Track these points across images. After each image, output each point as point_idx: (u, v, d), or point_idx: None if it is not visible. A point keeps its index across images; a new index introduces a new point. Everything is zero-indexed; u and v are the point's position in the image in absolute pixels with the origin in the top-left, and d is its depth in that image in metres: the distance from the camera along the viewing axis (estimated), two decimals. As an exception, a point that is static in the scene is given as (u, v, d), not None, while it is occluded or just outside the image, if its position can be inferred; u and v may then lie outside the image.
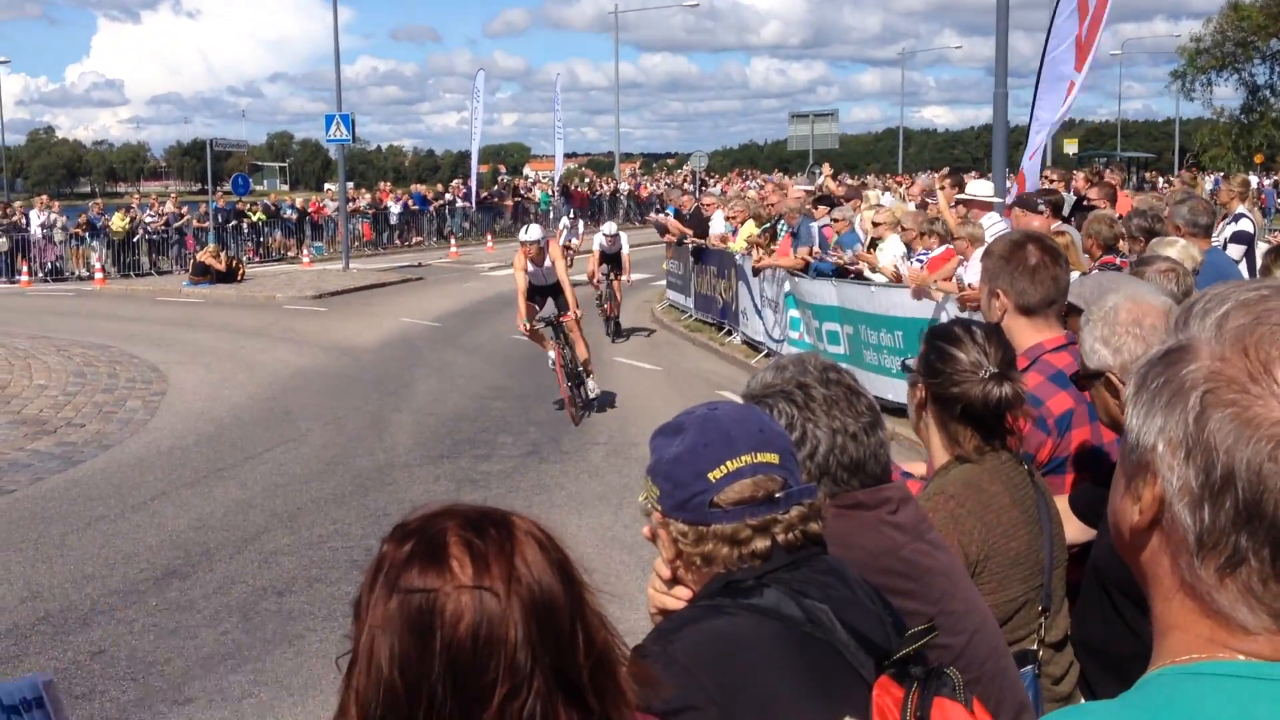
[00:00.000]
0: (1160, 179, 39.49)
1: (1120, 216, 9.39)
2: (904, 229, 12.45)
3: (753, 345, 17.24)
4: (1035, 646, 2.99)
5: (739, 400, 2.42)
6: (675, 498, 2.03)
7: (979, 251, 8.56)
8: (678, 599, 2.11)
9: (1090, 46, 11.14)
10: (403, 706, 1.53)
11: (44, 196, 37.86)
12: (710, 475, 2.00)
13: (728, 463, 2.01)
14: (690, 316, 21.00)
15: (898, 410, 11.34)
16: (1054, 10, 11.28)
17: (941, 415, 3.08)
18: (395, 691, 1.53)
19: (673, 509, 2.03)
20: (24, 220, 32.21)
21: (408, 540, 1.59)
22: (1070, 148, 64.48)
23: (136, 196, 44.11)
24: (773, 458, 2.03)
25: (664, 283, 24.02)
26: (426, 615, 1.53)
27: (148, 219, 33.68)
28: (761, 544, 1.99)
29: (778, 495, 2.01)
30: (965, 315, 8.51)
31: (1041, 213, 9.27)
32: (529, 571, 1.57)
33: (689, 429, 2.07)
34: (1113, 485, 1.21)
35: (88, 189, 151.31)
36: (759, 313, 16.77)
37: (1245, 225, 10.60)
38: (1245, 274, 9.86)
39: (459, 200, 43.70)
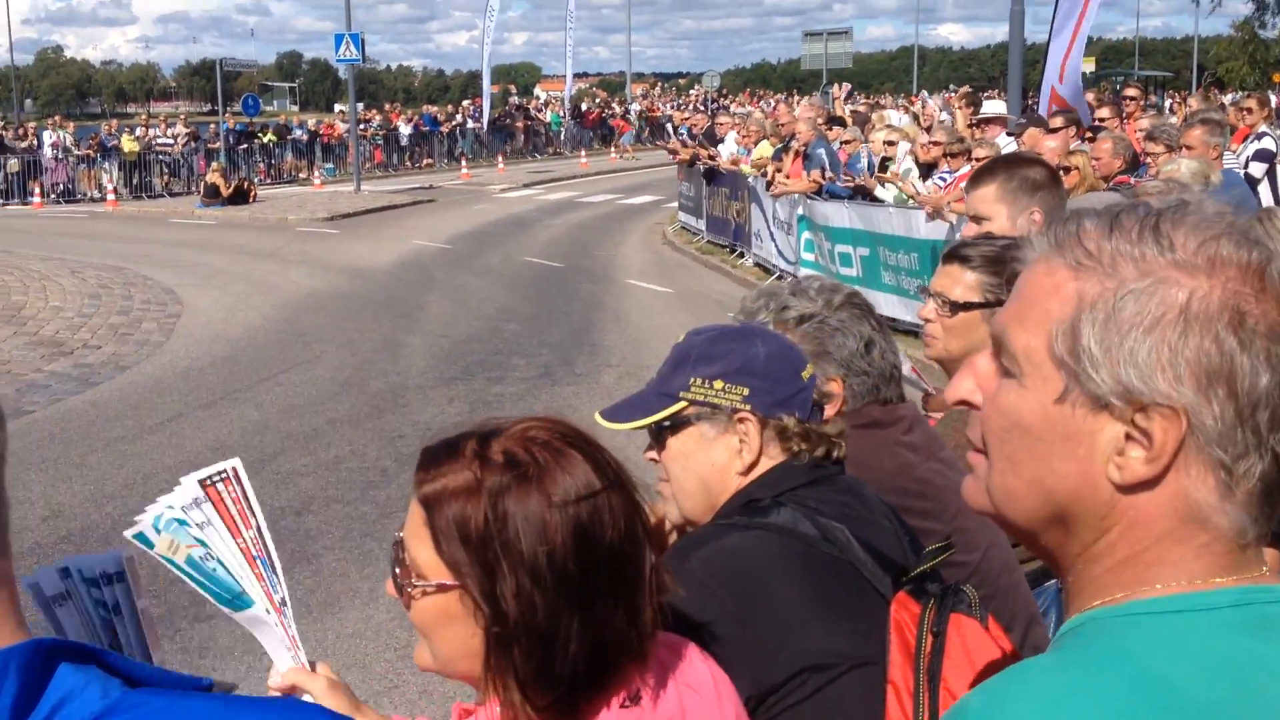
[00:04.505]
0: (1171, 99, 38.93)
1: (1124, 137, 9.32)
2: (933, 144, 12.29)
3: (765, 268, 17.20)
4: None
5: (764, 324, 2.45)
6: (777, 394, 2.04)
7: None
8: None
9: None
10: (571, 621, 1.51)
11: (58, 117, 37.78)
12: (803, 375, 2.07)
13: (809, 365, 2.10)
14: (702, 239, 20.94)
15: (912, 331, 11.35)
16: None
17: None
18: (560, 605, 1.50)
19: (773, 406, 2.03)
20: (36, 141, 32.15)
21: (519, 457, 1.55)
22: (1087, 66, 63.71)
23: (145, 117, 43.93)
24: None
25: (675, 205, 23.93)
26: (594, 518, 1.52)
27: (161, 140, 33.57)
28: (824, 449, 2.07)
29: (821, 403, 2.11)
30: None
31: (1056, 131, 9.19)
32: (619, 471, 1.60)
33: (757, 333, 2.13)
34: (1030, 459, 1.15)
35: (97, 109, 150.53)
36: (772, 235, 16.72)
37: (1268, 144, 10.50)
38: (1268, 193, 9.80)
39: (470, 121, 43.44)
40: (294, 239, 23.06)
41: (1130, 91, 14.71)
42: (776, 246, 16.55)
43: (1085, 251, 1.12)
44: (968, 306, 3.10)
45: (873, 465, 2.31)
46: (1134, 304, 1.08)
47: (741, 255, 18.67)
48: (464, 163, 39.37)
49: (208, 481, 1.84)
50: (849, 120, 17.07)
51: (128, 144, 32.58)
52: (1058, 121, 9.88)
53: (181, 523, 1.81)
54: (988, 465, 1.20)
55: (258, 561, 1.82)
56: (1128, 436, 1.09)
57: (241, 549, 1.81)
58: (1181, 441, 1.08)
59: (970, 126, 13.09)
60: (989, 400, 1.20)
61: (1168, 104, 36.71)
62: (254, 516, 1.84)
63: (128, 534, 1.80)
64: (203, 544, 1.80)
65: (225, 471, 1.85)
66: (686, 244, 21.23)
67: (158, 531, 1.79)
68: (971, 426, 1.23)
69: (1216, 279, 1.07)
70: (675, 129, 26.93)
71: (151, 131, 34.46)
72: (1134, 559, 1.12)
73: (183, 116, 41.39)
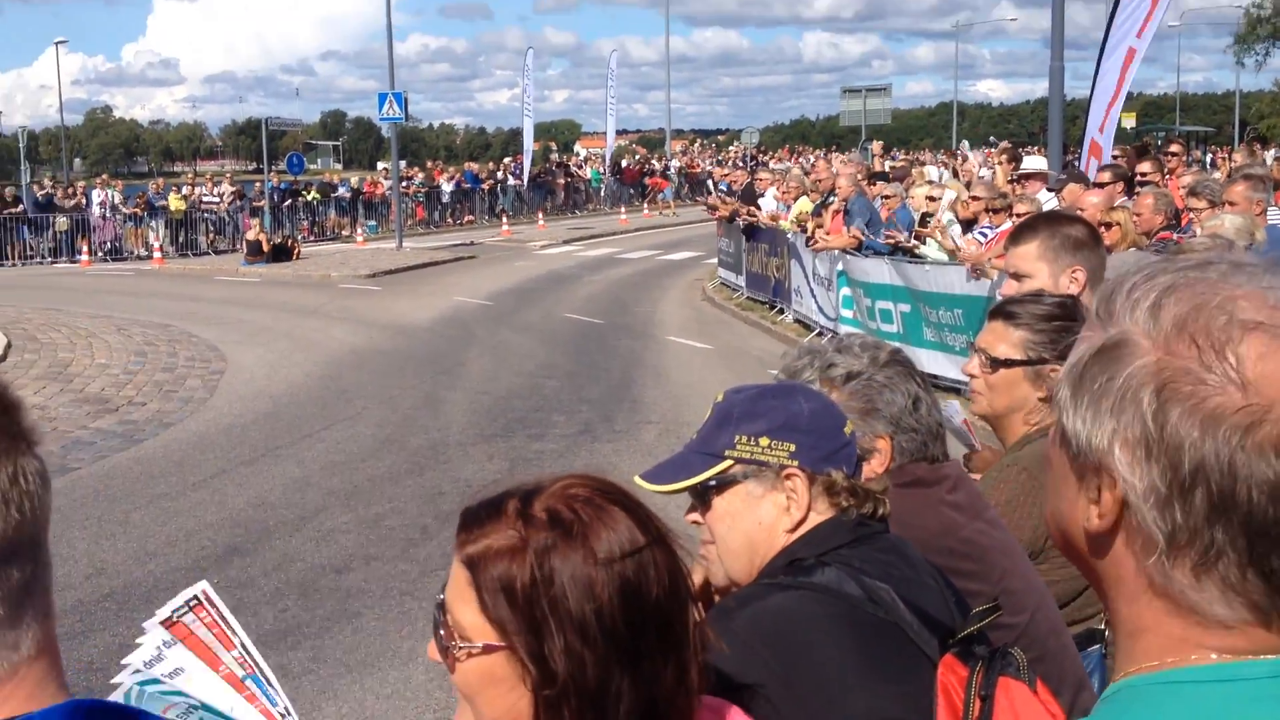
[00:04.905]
0: (1213, 154, 38.72)
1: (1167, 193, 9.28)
2: (973, 200, 12.29)
3: (805, 324, 17.18)
4: (1103, 625, 2.97)
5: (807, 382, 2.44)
6: (823, 449, 2.04)
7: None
8: None
9: (1154, 13, 11.07)
10: (621, 680, 1.49)
11: (105, 175, 38.41)
12: (845, 430, 2.07)
13: (850, 421, 2.11)
14: (742, 295, 20.96)
15: (953, 388, 11.28)
16: None
17: None
18: (610, 663, 1.49)
19: (820, 461, 2.03)
20: (84, 200, 32.69)
21: (563, 515, 1.54)
22: (1128, 121, 63.58)
23: (192, 175, 44.56)
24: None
25: (715, 260, 23.98)
26: (639, 575, 1.51)
27: (207, 199, 34.07)
28: (871, 506, 2.07)
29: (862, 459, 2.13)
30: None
31: (1102, 186, 9.16)
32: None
33: (798, 390, 2.14)
34: (1050, 490, 1.18)
35: (145, 168, 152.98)
36: (812, 291, 16.71)
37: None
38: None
39: (510, 178, 43.82)
40: (336, 296, 23.27)
41: (1173, 147, 14.67)
42: (816, 303, 16.53)
43: (1106, 307, 1.13)
44: (1009, 364, 3.09)
45: (917, 525, 2.29)
46: (1097, 364, 1.10)
47: (781, 311, 18.67)
48: (505, 219, 39.67)
49: (172, 619, 1.76)
50: (890, 174, 17.10)
51: (175, 202, 33.07)
52: (1105, 176, 9.85)
53: (149, 682, 1.70)
54: None
55: (248, 682, 1.74)
56: (1097, 488, 1.10)
57: (226, 677, 1.75)
58: (1123, 505, 1.08)
59: (1010, 182, 13.09)
60: None
61: (1209, 158, 36.56)
62: (235, 635, 1.77)
63: None
64: (179, 694, 1.71)
65: (193, 599, 1.78)
66: (726, 300, 21.26)
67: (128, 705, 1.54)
68: None
69: (1174, 350, 1.06)
70: (715, 184, 27.01)
71: (198, 190, 34.98)
72: (1138, 621, 1.12)
73: (228, 175, 42.05)
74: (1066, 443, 1.13)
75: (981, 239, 11.62)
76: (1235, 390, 1.03)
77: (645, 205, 45.26)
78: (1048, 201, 10.37)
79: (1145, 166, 10.98)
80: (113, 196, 32.69)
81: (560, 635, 1.47)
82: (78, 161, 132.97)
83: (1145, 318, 1.08)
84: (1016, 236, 3.94)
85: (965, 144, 34.19)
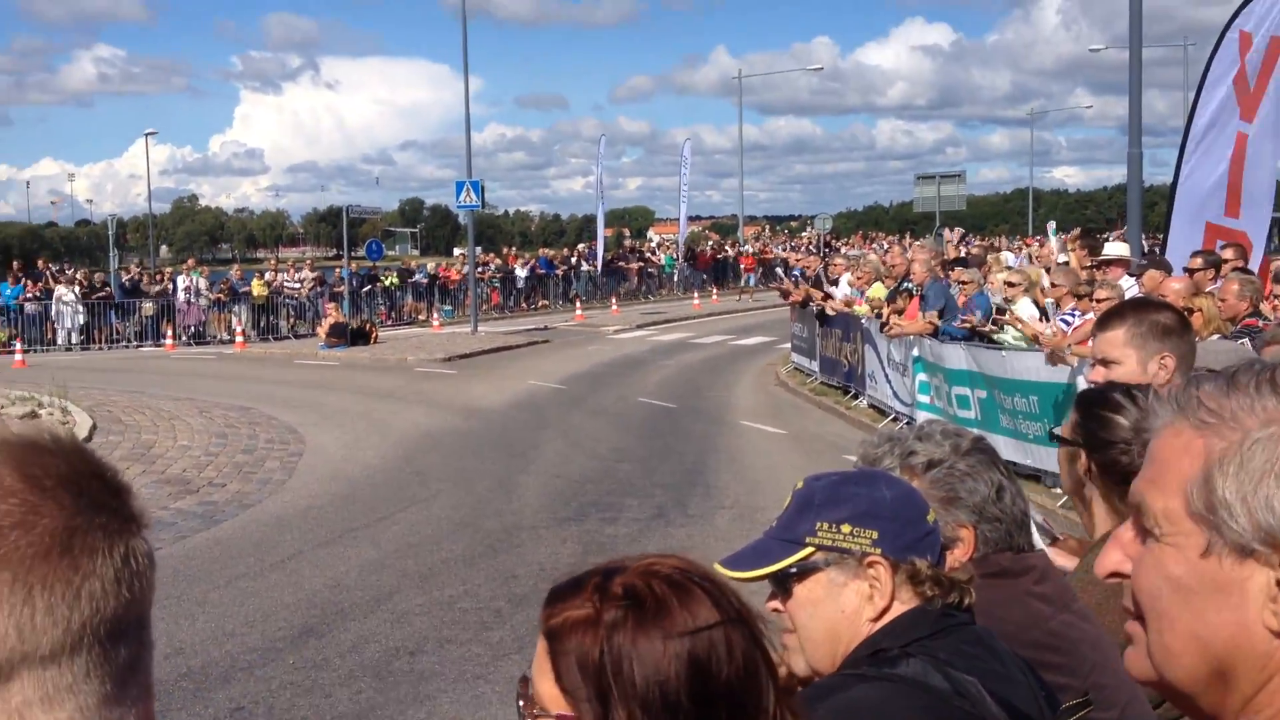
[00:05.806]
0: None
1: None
2: (1053, 285, 12.19)
3: (879, 409, 17.05)
4: None
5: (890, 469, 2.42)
6: (906, 537, 2.02)
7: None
8: None
9: (1261, 95, 11.04)
10: None
11: (191, 260, 39.35)
12: (928, 518, 2.04)
13: (931, 509, 2.09)
14: (815, 380, 20.88)
15: (1031, 476, 11.13)
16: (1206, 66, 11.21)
17: (1107, 487, 2.99)
18: None
19: (903, 549, 2.01)
20: (171, 286, 33.54)
21: (639, 591, 1.56)
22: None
23: (274, 262, 45.44)
24: None
25: (788, 346, 23.96)
26: (709, 652, 1.52)
27: (288, 284, 34.77)
28: (957, 596, 2.04)
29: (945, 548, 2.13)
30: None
31: (1191, 273, 9.06)
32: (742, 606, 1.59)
33: (880, 477, 2.12)
34: (1187, 614, 1.13)
35: (229, 255, 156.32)
36: (886, 376, 16.61)
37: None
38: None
39: (584, 264, 44.25)
40: (413, 379, 23.52)
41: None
42: (891, 388, 16.42)
43: (1208, 410, 1.13)
44: (1062, 441, 3.13)
45: (1002, 616, 2.25)
46: (1262, 452, 1.09)
47: (856, 396, 18.55)
48: (578, 304, 40.00)
49: None
50: (968, 259, 17.02)
51: (257, 288, 33.80)
52: (1196, 263, 9.74)
53: None
54: (1145, 631, 1.19)
55: None
56: (1278, 582, 1.08)
57: None
58: None
59: (1086, 269, 12.97)
60: (1136, 565, 1.20)
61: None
62: None
63: None
64: None
65: None
66: (800, 385, 21.18)
67: None
68: (1125, 596, 1.23)
69: None
70: (789, 270, 27.10)
71: (279, 276, 35.73)
72: None
73: (309, 261, 42.88)
74: (1232, 549, 1.10)
75: (1065, 325, 11.49)
76: None
77: (715, 292, 45.44)
78: (1129, 288, 10.26)
79: (1228, 253, 10.84)
80: (197, 282, 33.48)
81: (624, 708, 1.49)
82: (164, 248, 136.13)
83: (1275, 400, 1.11)
84: (1104, 323, 3.91)
85: (1052, 224, 33.86)
